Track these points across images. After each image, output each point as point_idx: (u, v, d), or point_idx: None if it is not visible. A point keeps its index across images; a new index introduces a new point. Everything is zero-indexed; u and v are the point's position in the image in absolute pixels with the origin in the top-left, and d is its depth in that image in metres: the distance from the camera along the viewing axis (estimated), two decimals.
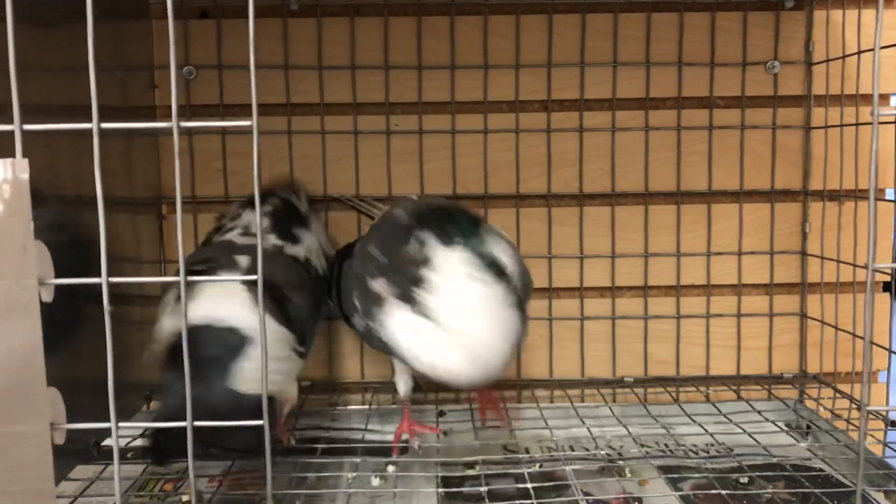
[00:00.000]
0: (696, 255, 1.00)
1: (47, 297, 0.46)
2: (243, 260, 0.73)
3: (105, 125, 0.46)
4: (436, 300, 0.67)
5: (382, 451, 0.84)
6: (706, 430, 0.87)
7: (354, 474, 0.77)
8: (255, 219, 0.51)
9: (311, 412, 0.93)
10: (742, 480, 0.76)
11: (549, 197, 0.99)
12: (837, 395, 0.94)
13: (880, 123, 0.54)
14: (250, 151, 0.48)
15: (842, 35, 0.94)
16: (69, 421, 0.48)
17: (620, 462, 0.80)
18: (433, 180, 0.98)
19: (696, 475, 0.76)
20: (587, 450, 0.83)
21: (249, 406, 0.62)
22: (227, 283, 0.69)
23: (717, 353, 1.01)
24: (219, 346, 0.64)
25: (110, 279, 0.48)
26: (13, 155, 0.45)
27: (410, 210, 0.74)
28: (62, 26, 0.73)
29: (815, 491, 0.71)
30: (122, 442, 0.76)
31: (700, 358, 1.01)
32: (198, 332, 0.63)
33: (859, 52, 0.91)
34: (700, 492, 0.73)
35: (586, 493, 0.72)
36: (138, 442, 0.77)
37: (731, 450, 0.84)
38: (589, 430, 0.86)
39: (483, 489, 0.70)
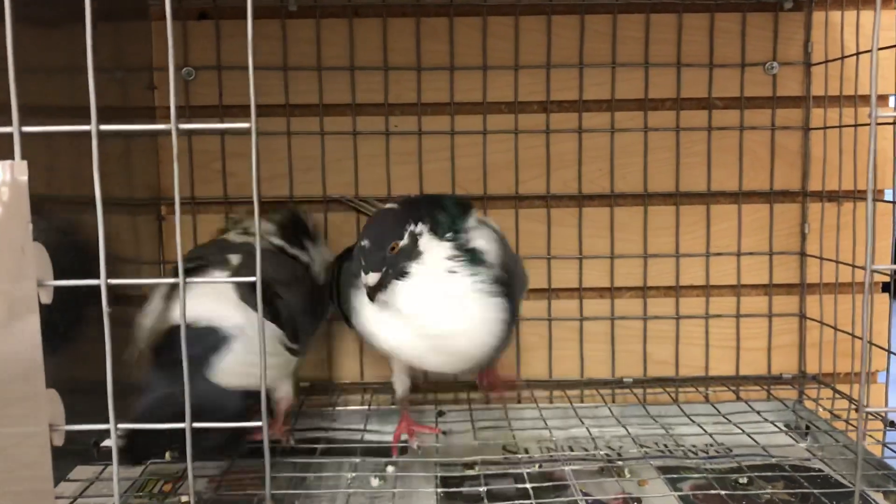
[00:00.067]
0: (696, 256, 1.00)
1: (46, 298, 0.46)
2: (234, 258, 0.74)
3: (104, 128, 0.46)
4: (406, 288, 0.69)
5: (382, 451, 0.84)
6: (705, 431, 0.87)
7: (354, 475, 0.77)
8: (255, 222, 0.51)
9: (310, 413, 0.93)
10: (741, 481, 0.76)
11: (548, 198, 0.99)
12: (836, 395, 0.94)
13: (878, 125, 0.54)
14: (250, 152, 0.49)
15: (840, 36, 0.94)
16: (68, 422, 0.48)
17: (620, 462, 0.80)
18: (432, 181, 0.98)
19: (696, 475, 0.76)
20: (586, 450, 0.83)
21: (227, 404, 0.63)
22: (197, 280, 0.69)
23: (716, 354, 1.01)
24: (197, 344, 0.64)
25: (109, 281, 0.48)
26: (12, 157, 0.45)
27: (400, 201, 0.76)
28: (61, 27, 0.73)
29: (814, 491, 0.71)
30: (121, 443, 0.75)
31: (699, 358, 1.01)
32: (177, 331, 0.64)
33: (858, 54, 0.91)
34: (699, 492, 0.73)
35: (585, 494, 0.72)
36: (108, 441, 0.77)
37: (731, 450, 0.84)
38: (588, 431, 0.86)
39: (482, 489, 0.70)
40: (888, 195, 0.99)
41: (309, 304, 0.80)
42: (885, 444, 0.82)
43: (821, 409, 0.93)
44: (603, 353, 1.01)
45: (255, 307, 0.68)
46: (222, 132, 0.97)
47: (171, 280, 0.62)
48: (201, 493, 0.71)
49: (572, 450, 0.84)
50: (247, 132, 0.46)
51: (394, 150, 0.98)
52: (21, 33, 0.46)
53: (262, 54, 0.95)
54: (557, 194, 1.00)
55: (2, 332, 0.45)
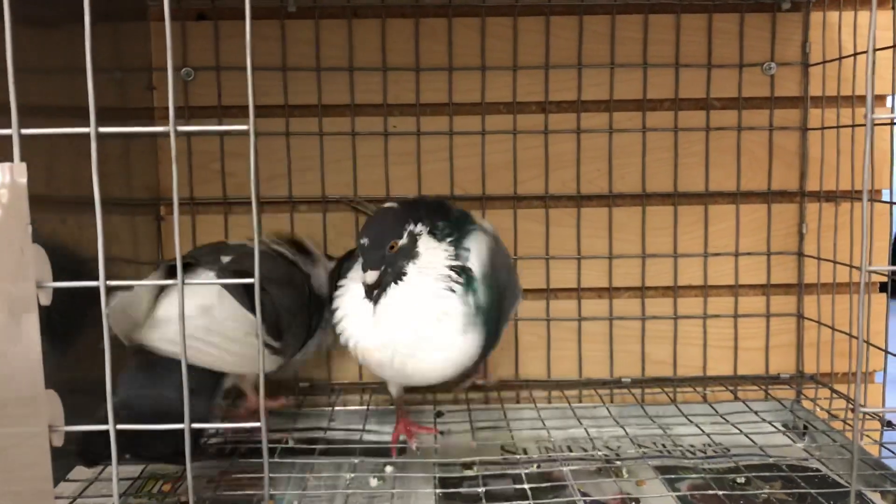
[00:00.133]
0: (694, 256, 1.00)
1: (45, 299, 0.47)
2: (225, 259, 0.75)
3: (103, 130, 0.46)
4: (389, 295, 0.70)
5: (380, 451, 0.84)
6: (703, 431, 0.87)
7: (352, 475, 0.77)
8: (256, 226, 0.51)
9: (309, 413, 0.93)
10: (739, 481, 0.76)
11: (546, 198, 1.00)
12: (834, 395, 0.94)
13: (875, 125, 0.54)
14: (248, 153, 0.49)
15: (838, 36, 0.95)
16: (67, 422, 0.48)
17: (618, 462, 0.80)
18: (431, 182, 0.98)
19: (693, 475, 0.76)
20: (585, 450, 0.84)
21: (181, 408, 0.63)
22: (196, 283, 0.69)
23: (714, 354, 1.01)
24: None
25: (108, 282, 0.48)
26: (11, 158, 0.45)
27: (400, 201, 0.76)
28: (61, 27, 0.73)
29: (812, 491, 0.71)
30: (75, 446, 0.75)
31: (697, 358, 1.01)
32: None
33: (855, 54, 0.91)
34: (697, 492, 0.73)
35: (584, 494, 0.73)
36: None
37: (728, 450, 0.84)
38: (586, 431, 0.86)
39: (481, 490, 0.70)
40: (886, 196, 0.99)
41: (300, 309, 0.80)
42: (882, 444, 0.82)
43: (818, 409, 0.93)
44: (601, 354, 1.01)
45: (236, 296, 0.70)
46: (221, 134, 0.97)
47: (170, 282, 0.63)
48: (201, 494, 0.72)
49: (571, 450, 0.85)
50: (245, 134, 0.46)
51: (392, 150, 0.98)
52: (20, 34, 0.46)
53: (261, 55, 0.95)
54: (556, 194, 1.00)
55: (1, 332, 0.45)
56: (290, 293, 0.78)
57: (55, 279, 0.47)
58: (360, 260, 0.71)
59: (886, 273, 0.95)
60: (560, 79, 0.98)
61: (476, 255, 0.73)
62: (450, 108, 0.98)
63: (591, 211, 1.00)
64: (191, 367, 0.63)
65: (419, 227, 0.71)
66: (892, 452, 0.78)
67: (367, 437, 0.88)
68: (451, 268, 0.71)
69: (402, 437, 0.84)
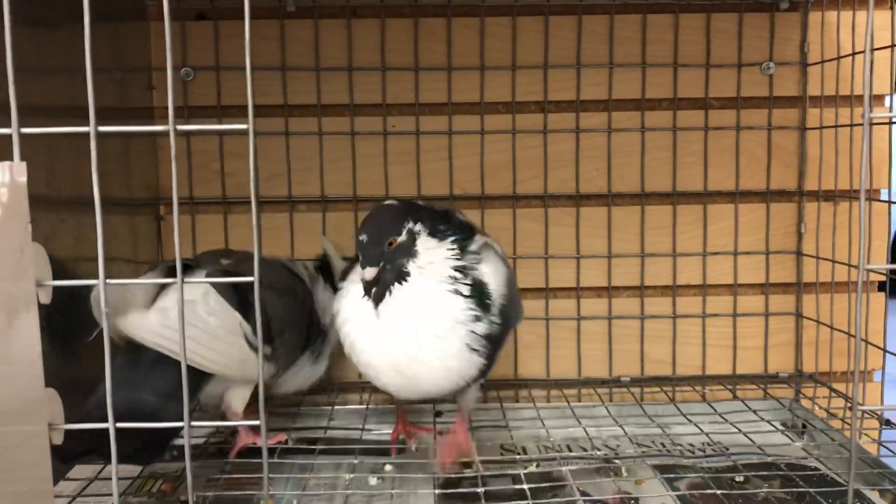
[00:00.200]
0: (692, 256, 1.00)
1: (45, 298, 0.47)
2: (226, 262, 0.76)
3: (102, 129, 0.46)
4: (398, 296, 0.69)
5: (380, 450, 0.84)
6: (702, 430, 0.87)
7: (352, 474, 0.77)
8: (256, 226, 0.51)
9: (309, 412, 0.94)
10: (737, 479, 0.76)
11: (545, 197, 1.00)
12: (833, 394, 0.94)
13: (873, 125, 0.55)
14: (248, 152, 0.49)
15: (836, 36, 0.95)
16: (67, 421, 0.49)
17: (617, 462, 0.80)
18: (430, 181, 0.98)
19: (692, 474, 0.76)
20: (584, 449, 0.84)
21: (146, 409, 0.62)
22: (195, 280, 0.69)
23: (713, 353, 1.01)
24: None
25: (108, 281, 0.48)
26: (11, 158, 0.46)
27: (400, 200, 0.75)
28: (60, 27, 0.73)
29: (810, 490, 0.71)
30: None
31: (696, 357, 1.02)
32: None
33: (853, 54, 0.92)
34: (696, 491, 0.73)
35: (583, 493, 0.73)
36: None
37: (727, 449, 0.84)
38: (585, 430, 0.86)
39: (480, 489, 0.70)
40: (884, 195, 0.99)
41: (295, 316, 0.80)
42: (880, 443, 0.82)
43: (817, 408, 0.93)
44: (600, 353, 1.01)
45: (226, 296, 0.70)
46: (220, 133, 0.97)
47: (170, 280, 0.63)
48: (200, 493, 0.72)
49: (570, 449, 0.85)
50: (244, 133, 0.46)
51: (392, 150, 0.98)
52: (20, 33, 0.46)
53: (261, 55, 0.96)
54: (555, 194, 1.00)
55: (1, 332, 0.45)
56: (285, 302, 0.78)
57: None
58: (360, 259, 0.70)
59: (885, 272, 0.95)
60: (559, 78, 0.98)
61: (490, 275, 0.71)
62: (449, 107, 0.98)
63: (590, 210, 1.00)
64: (171, 368, 0.64)
65: (418, 226, 0.70)
66: (891, 451, 0.78)
67: (366, 436, 0.88)
68: (456, 268, 0.70)
69: (401, 437, 0.84)
